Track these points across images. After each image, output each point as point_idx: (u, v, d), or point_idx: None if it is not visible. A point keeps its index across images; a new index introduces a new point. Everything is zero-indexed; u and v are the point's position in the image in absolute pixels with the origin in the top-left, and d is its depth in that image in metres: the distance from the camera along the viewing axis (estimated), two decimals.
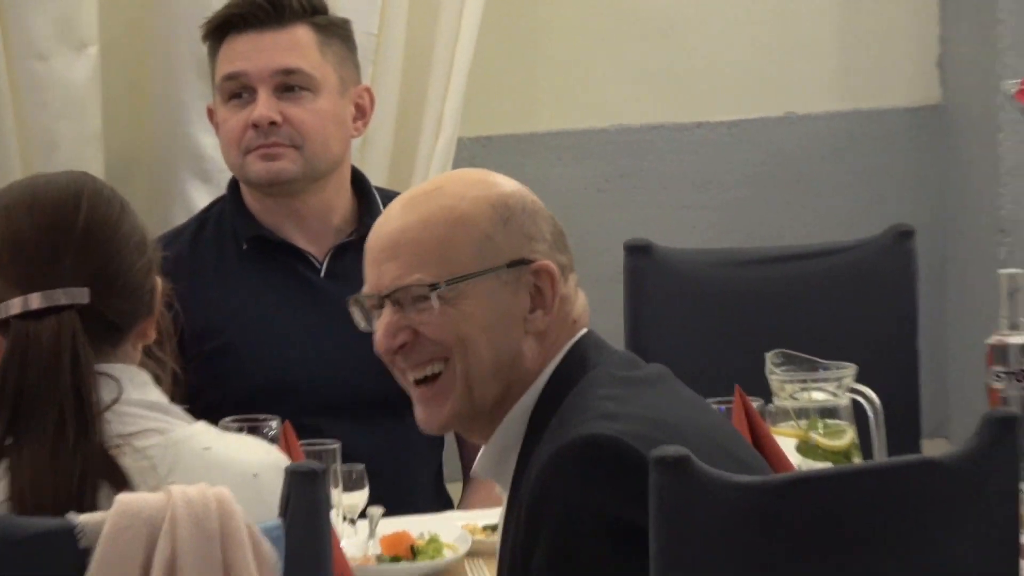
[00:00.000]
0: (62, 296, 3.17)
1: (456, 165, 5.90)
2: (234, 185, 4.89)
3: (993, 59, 6.26)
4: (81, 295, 3.13)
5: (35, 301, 3.15)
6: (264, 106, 4.66)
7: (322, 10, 4.86)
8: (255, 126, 4.62)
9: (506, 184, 3.46)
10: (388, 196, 4.68)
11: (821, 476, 3.24)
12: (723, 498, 2.74)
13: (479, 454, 3.54)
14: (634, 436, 3.04)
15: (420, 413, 3.46)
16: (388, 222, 3.47)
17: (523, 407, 3.37)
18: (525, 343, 3.36)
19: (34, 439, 3.12)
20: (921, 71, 6.58)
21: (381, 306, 3.42)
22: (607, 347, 3.47)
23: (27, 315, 3.14)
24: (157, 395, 3.21)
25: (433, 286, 3.35)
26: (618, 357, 3.44)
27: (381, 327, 3.40)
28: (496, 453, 3.43)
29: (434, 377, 3.39)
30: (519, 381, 3.38)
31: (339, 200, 4.92)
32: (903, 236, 5.18)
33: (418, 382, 3.39)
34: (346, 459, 4.09)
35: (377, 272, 3.42)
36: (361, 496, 4.17)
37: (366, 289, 3.50)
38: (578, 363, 3.37)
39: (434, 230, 3.42)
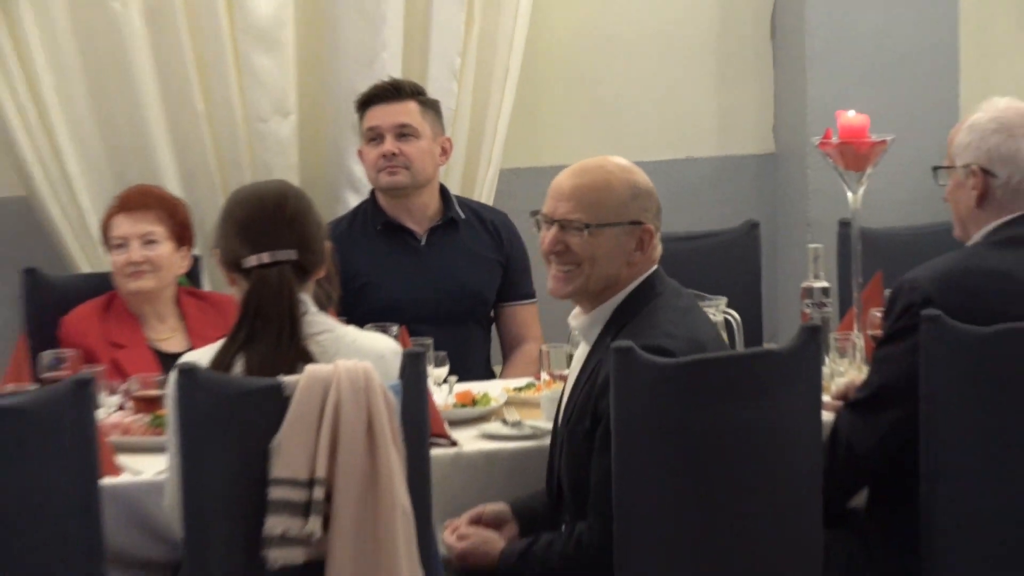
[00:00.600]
0: (281, 255, 4.32)
1: (498, 188, 6.99)
2: (372, 193, 6.19)
3: (804, 118, 6.99)
4: (291, 255, 4.32)
5: (265, 258, 4.30)
6: (389, 145, 5.94)
7: (422, 93, 6.13)
8: (383, 156, 5.94)
9: (636, 171, 4.65)
10: (461, 201, 6.23)
11: (716, 357, 4.37)
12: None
13: (578, 318, 4.69)
14: (680, 350, 4.27)
15: (553, 286, 4.66)
16: (569, 177, 4.64)
17: (613, 302, 4.57)
18: (624, 267, 4.55)
19: (264, 338, 4.23)
20: (762, 128, 7.34)
21: (550, 224, 4.58)
22: (666, 279, 4.61)
23: (262, 266, 4.30)
24: (323, 318, 4.38)
25: (587, 225, 4.50)
26: (671, 287, 4.61)
27: (549, 236, 4.59)
28: (590, 321, 4.62)
29: (568, 272, 4.57)
30: (614, 286, 4.56)
31: (432, 201, 6.17)
32: (752, 227, 6.55)
33: (557, 279, 4.61)
34: (435, 348, 5.24)
35: (555, 204, 4.59)
36: (444, 370, 5.27)
37: (545, 210, 4.63)
38: (649, 286, 4.57)
39: (594, 191, 4.59)
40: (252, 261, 4.28)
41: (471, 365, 5.85)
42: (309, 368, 4.06)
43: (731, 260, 6.24)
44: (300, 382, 4.01)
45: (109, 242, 5.47)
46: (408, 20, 6.58)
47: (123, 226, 5.44)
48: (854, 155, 5.41)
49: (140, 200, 5.53)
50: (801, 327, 4.53)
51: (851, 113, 5.47)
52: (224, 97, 6.45)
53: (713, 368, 4.35)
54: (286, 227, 4.37)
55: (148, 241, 5.41)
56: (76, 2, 6.27)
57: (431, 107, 6.09)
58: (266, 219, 4.38)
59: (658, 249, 4.61)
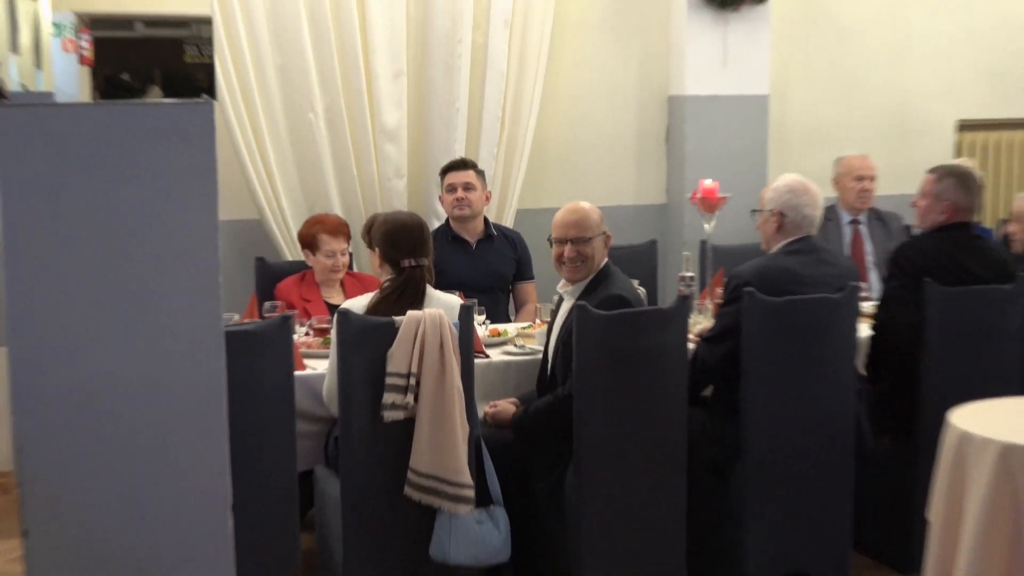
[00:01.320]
0: (422, 261, 4.35)
1: (516, 219, 6.58)
2: (447, 220, 5.90)
3: (682, 183, 6.66)
4: (424, 262, 4.36)
5: (411, 262, 4.33)
6: (460, 193, 5.72)
7: (476, 166, 5.87)
8: (457, 199, 5.72)
9: (595, 207, 4.53)
10: (495, 225, 6.02)
11: (635, 311, 4.37)
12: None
13: (566, 287, 4.55)
14: (627, 299, 4.31)
15: (571, 275, 4.50)
16: (568, 215, 4.50)
17: (590, 277, 4.46)
18: (601, 257, 4.47)
19: (404, 302, 4.24)
20: (660, 189, 6.93)
21: (565, 243, 4.45)
22: (612, 264, 4.53)
23: (411, 266, 4.32)
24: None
25: (588, 239, 4.41)
26: (616, 269, 4.53)
27: (567, 249, 4.44)
28: (575, 289, 4.47)
29: (578, 266, 4.43)
30: (595, 268, 4.45)
31: (479, 225, 5.86)
32: (653, 242, 6.24)
33: (570, 267, 4.45)
34: (479, 304, 4.89)
35: (566, 231, 4.43)
36: (482, 317, 5.06)
37: (560, 236, 4.49)
38: (608, 268, 4.48)
39: (585, 219, 4.45)
40: (407, 262, 4.31)
41: (498, 315, 5.68)
42: (409, 312, 4.06)
43: (641, 260, 6.05)
44: (405, 319, 4.03)
45: (317, 248, 5.40)
46: (470, 122, 6.42)
47: (331, 243, 5.38)
48: (708, 204, 5.54)
49: (338, 227, 5.47)
50: (678, 297, 4.62)
51: (708, 181, 5.52)
52: (367, 166, 6.31)
53: (632, 316, 4.31)
54: (424, 244, 4.40)
55: (344, 252, 5.41)
56: (287, 109, 6.18)
57: (480, 173, 5.91)
58: (415, 238, 4.39)
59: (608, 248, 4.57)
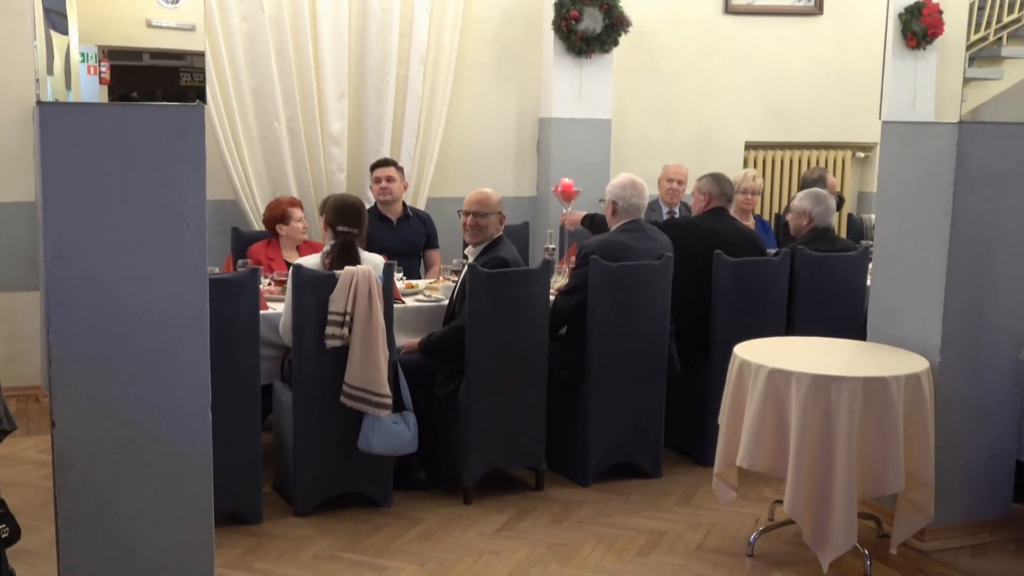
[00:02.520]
0: (352, 229, 4.24)
1: (426, 207, 6.33)
2: (376, 204, 5.65)
3: (548, 181, 6.45)
4: (356, 230, 4.25)
5: (344, 229, 4.23)
6: (384, 183, 5.56)
7: (397, 163, 5.70)
8: (382, 189, 5.56)
9: (496, 194, 4.45)
10: (412, 208, 5.82)
11: (514, 269, 4.39)
12: None
13: (471, 251, 4.44)
14: (509, 260, 4.28)
15: (468, 237, 4.43)
16: (475, 194, 4.42)
17: (485, 244, 4.39)
18: (495, 230, 4.38)
19: (343, 259, 4.12)
20: (531, 184, 6.83)
21: (468, 215, 4.36)
22: (504, 236, 4.46)
23: (344, 232, 4.22)
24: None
25: (486, 214, 4.34)
26: (506, 239, 4.45)
27: (468, 219, 4.36)
28: (475, 251, 4.39)
29: (474, 232, 4.35)
30: (488, 238, 4.37)
31: (398, 207, 5.66)
32: (526, 224, 6.20)
33: (470, 232, 4.37)
34: (399, 266, 4.88)
35: (469, 206, 4.36)
36: (401, 274, 4.95)
37: (465, 209, 4.40)
38: (500, 238, 4.41)
39: (486, 200, 4.38)
40: (341, 228, 4.22)
41: (412, 274, 5.58)
42: (345, 267, 4.02)
43: (517, 237, 5.81)
44: (343, 272, 3.99)
45: (289, 219, 5.26)
46: (394, 132, 6.36)
47: (296, 214, 5.28)
48: (566, 195, 5.50)
49: (295, 202, 5.39)
50: (543, 260, 4.54)
51: (566, 179, 5.50)
52: (317, 163, 6.24)
53: (509, 274, 4.31)
54: (356, 218, 4.31)
55: (303, 220, 5.31)
56: (258, 120, 6.08)
57: (400, 169, 5.77)
58: (351, 213, 4.30)
59: (503, 225, 4.49)
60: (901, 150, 4.02)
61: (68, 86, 2.87)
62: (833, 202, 5.31)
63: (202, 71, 3.10)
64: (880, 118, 4.18)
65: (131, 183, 2.73)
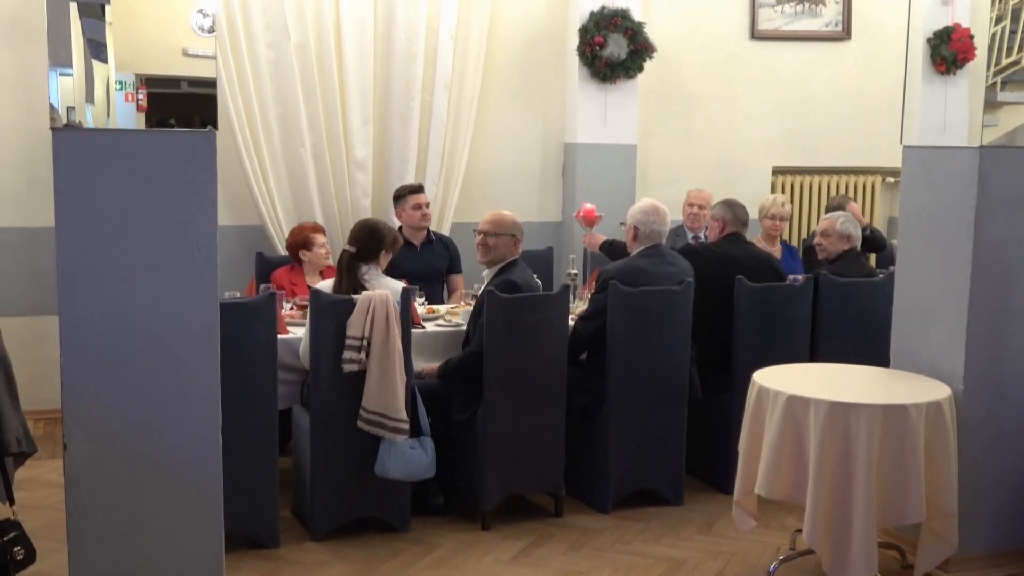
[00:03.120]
0: (350, 248, 4.24)
1: (451, 233, 6.32)
2: (400, 227, 5.53)
3: (572, 206, 6.25)
4: (353, 248, 4.23)
5: (345, 247, 4.25)
6: (425, 210, 5.58)
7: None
8: (423, 215, 5.57)
9: (515, 217, 4.49)
10: (436, 233, 5.83)
11: (528, 295, 4.49)
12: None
13: (487, 275, 4.47)
14: (520, 285, 4.28)
15: (479, 256, 4.49)
16: (491, 215, 4.48)
17: (499, 267, 4.43)
18: (508, 252, 4.41)
19: (347, 284, 4.17)
20: (556, 210, 6.82)
21: (480, 233, 4.43)
22: (521, 260, 4.48)
23: (344, 250, 4.26)
24: (376, 271, 4.24)
25: (497, 234, 4.40)
26: (522, 263, 4.46)
27: (479, 238, 4.43)
28: (489, 274, 4.45)
29: (484, 251, 4.41)
30: (501, 261, 4.41)
31: (424, 233, 5.67)
32: (550, 249, 6.13)
33: (480, 251, 4.44)
34: (420, 290, 5.04)
35: (483, 225, 4.42)
36: (422, 298, 5.03)
37: (479, 228, 4.46)
38: (514, 261, 4.42)
39: (500, 221, 4.43)
40: (345, 247, 4.30)
41: (435, 298, 5.56)
42: (363, 292, 4.02)
43: (540, 261, 5.92)
44: (360, 297, 3.99)
45: (312, 245, 5.29)
46: (419, 157, 6.37)
47: (319, 239, 5.30)
48: (588, 220, 5.48)
49: (317, 228, 5.43)
50: (560, 286, 4.48)
51: (588, 204, 5.48)
52: (342, 188, 6.26)
53: (526, 299, 4.32)
54: (362, 239, 4.35)
55: (326, 245, 5.33)
56: (283, 145, 6.12)
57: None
58: (358, 230, 4.39)
59: (519, 248, 4.51)
60: (923, 175, 3.98)
61: (108, 113, 2.93)
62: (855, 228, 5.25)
63: (213, 97, 3.14)
64: (902, 142, 4.13)
65: (142, 208, 2.78)
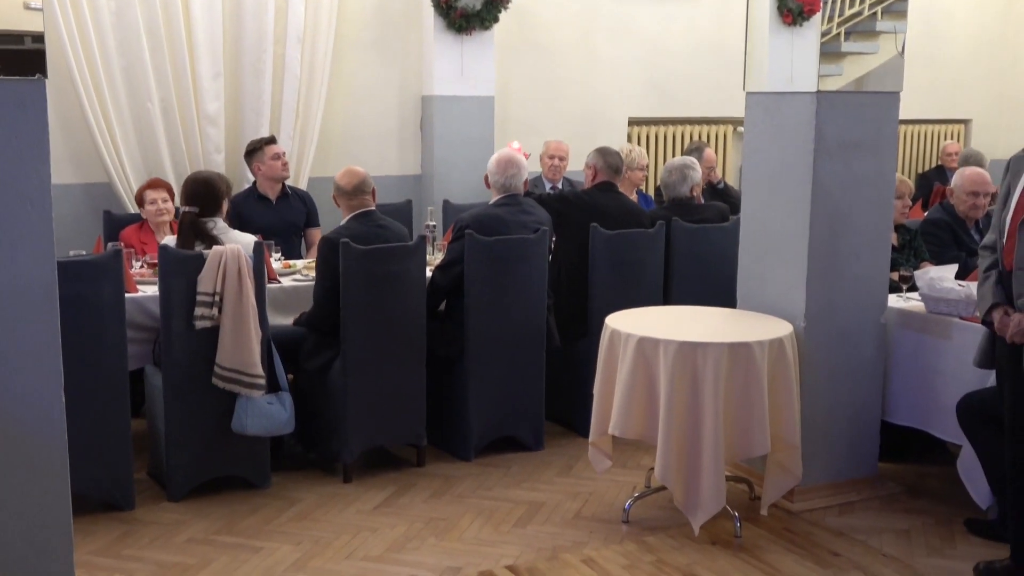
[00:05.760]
0: (190, 208, 4.19)
1: (308, 188, 6.21)
2: (254, 182, 5.57)
3: (433, 154, 6.65)
4: (195, 208, 4.18)
5: (185, 209, 4.18)
6: (284, 159, 5.53)
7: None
8: (283, 164, 5.51)
9: (358, 171, 4.39)
10: (292, 187, 5.73)
11: (382, 247, 4.57)
12: None
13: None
14: (349, 237, 4.21)
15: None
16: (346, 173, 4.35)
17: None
18: (344, 209, 4.60)
19: (187, 240, 4.13)
20: (415, 163, 6.81)
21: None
22: (371, 215, 4.39)
23: (185, 211, 4.17)
24: (225, 227, 4.21)
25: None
26: (365, 217, 4.37)
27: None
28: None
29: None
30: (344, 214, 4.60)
31: (279, 187, 5.55)
32: (408, 201, 6.05)
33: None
34: (276, 245, 4.98)
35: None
36: (278, 254, 4.95)
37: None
38: (355, 218, 4.54)
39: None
40: (185, 208, 4.25)
41: (293, 253, 5.52)
42: (214, 247, 3.96)
43: (402, 215, 5.79)
44: (211, 252, 3.94)
45: (144, 202, 5.18)
46: (272, 112, 6.27)
47: (152, 195, 5.15)
48: None
49: (156, 184, 5.27)
50: (417, 237, 4.46)
51: (515, 144, 5.37)
52: (194, 144, 6.11)
53: (384, 251, 4.28)
54: (201, 195, 4.30)
55: (164, 200, 5.15)
56: (130, 100, 5.94)
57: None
58: (196, 188, 4.32)
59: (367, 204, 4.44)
60: (764, 120, 4.10)
61: None
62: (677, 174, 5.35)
63: (42, 36, 2.96)
64: (744, 89, 4.24)
65: None
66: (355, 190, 4.41)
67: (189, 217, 4.19)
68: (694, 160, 5.45)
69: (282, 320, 4.52)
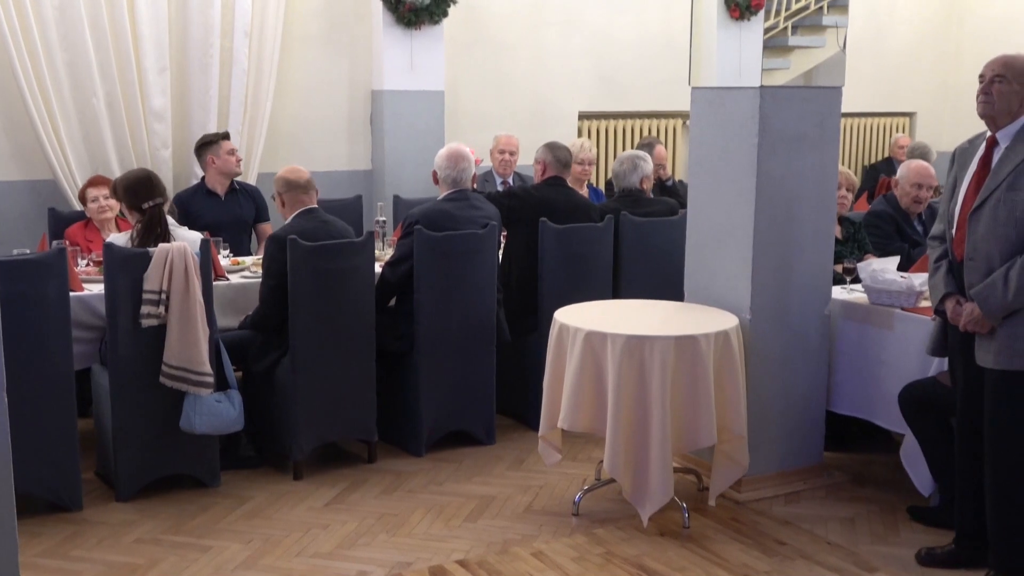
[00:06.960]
0: (156, 200, 4.07)
1: (257, 183, 6.15)
2: (202, 179, 5.51)
3: (383, 148, 6.62)
4: (160, 200, 4.09)
5: (151, 203, 4.05)
6: (239, 154, 5.48)
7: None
8: (238, 160, 5.51)
9: (298, 170, 4.38)
10: (240, 183, 5.66)
11: (327, 243, 4.73)
12: None
13: None
14: (296, 233, 4.28)
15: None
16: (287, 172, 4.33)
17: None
18: (289, 207, 4.54)
19: (155, 237, 4.01)
20: (366, 158, 6.78)
21: None
22: (313, 215, 4.35)
23: (151, 207, 4.05)
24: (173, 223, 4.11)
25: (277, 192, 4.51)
26: (311, 215, 4.36)
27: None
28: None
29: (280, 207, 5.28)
30: (287, 213, 4.51)
31: (227, 182, 5.51)
32: (358, 197, 6.09)
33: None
34: (224, 242, 4.95)
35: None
36: (226, 250, 4.92)
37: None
38: (298, 215, 4.44)
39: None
40: (147, 204, 4.09)
41: (242, 250, 5.49)
42: (160, 244, 3.93)
43: (349, 210, 5.90)
44: (157, 249, 3.90)
45: (87, 199, 5.14)
46: (220, 106, 6.22)
47: (93, 192, 5.10)
48: None
49: (98, 181, 5.19)
50: (366, 233, 4.47)
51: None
52: (140, 140, 6.06)
53: (331, 247, 4.27)
54: (155, 188, 4.16)
55: (106, 198, 5.07)
56: (74, 95, 5.87)
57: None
58: (148, 185, 4.16)
59: (312, 200, 4.43)
60: (710, 114, 4.14)
61: None
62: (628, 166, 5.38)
63: None
64: (690, 84, 4.28)
65: None
66: (307, 184, 4.41)
67: (157, 210, 4.12)
68: (646, 153, 5.49)
69: (231, 321, 4.52)
